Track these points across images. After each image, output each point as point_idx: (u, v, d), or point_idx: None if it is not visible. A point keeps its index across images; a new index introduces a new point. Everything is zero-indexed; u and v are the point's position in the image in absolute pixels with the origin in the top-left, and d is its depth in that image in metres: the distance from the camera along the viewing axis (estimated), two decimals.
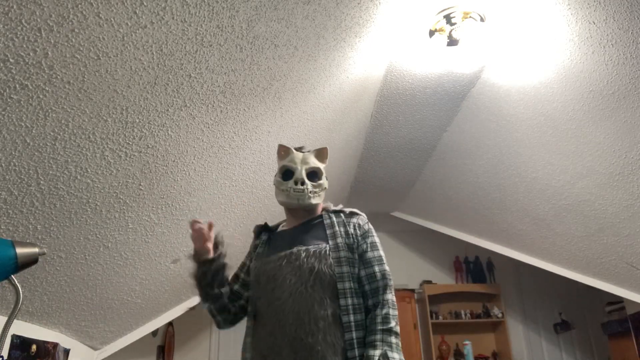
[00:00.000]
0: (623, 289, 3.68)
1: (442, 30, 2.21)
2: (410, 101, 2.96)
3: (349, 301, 1.38)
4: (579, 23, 1.97)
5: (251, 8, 1.54)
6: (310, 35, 1.84)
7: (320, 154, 1.64)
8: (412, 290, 5.64)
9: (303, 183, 1.54)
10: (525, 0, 2.00)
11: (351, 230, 1.52)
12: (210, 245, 1.53)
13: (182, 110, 1.77)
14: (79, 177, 1.69)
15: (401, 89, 2.82)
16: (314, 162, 1.60)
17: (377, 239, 1.54)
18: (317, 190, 1.58)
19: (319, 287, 1.38)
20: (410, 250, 6.00)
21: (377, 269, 1.45)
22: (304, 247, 1.46)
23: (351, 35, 2.01)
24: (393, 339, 1.32)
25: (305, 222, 1.59)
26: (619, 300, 4.53)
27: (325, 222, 1.56)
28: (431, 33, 2.28)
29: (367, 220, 1.60)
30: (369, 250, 1.49)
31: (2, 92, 1.25)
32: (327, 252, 1.44)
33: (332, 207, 1.64)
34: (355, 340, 1.33)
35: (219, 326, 1.62)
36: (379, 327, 1.33)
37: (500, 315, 5.40)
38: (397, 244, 6.05)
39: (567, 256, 3.79)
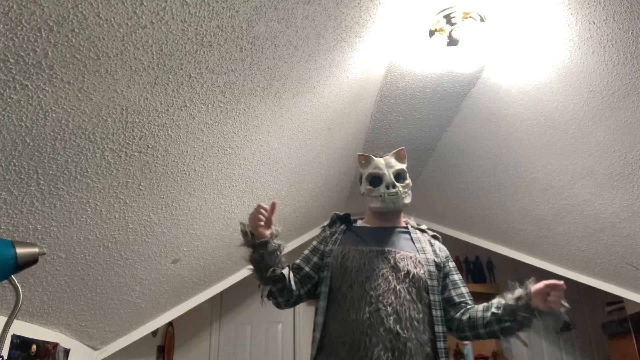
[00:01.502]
0: (623, 289, 3.68)
1: (442, 30, 2.21)
2: (410, 101, 2.95)
3: (439, 313, 1.51)
4: (579, 23, 1.97)
5: (251, 8, 1.54)
6: (310, 35, 1.84)
7: (399, 155, 1.74)
8: None
9: (394, 186, 1.63)
10: (525, 0, 2.00)
11: (437, 251, 1.64)
12: (267, 231, 1.52)
13: (182, 110, 1.77)
14: (79, 177, 1.69)
15: (401, 89, 2.82)
16: (397, 164, 1.70)
17: (454, 263, 1.71)
18: (406, 189, 1.68)
19: (413, 291, 1.47)
20: None
21: (464, 290, 1.62)
22: (397, 250, 1.54)
23: (351, 35, 2.01)
24: None
25: (390, 227, 1.66)
26: (619, 300, 4.52)
27: (412, 235, 1.66)
28: (431, 33, 2.28)
29: (443, 246, 1.73)
30: (454, 272, 1.64)
31: (2, 92, 1.25)
32: (421, 262, 1.54)
33: (414, 223, 1.74)
34: (443, 350, 1.46)
35: (280, 307, 1.63)
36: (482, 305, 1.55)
37: None
38: None
39: (567, 256, 3.79)
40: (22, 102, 1.31)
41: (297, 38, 1.81)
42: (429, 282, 1.51)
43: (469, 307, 1.59)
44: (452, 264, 1.66)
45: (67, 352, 2.52)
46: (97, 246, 2.11)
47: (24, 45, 1.19)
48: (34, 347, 2.15)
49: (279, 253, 1.53)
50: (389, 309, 1.40)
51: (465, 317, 1.55)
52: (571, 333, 5.50)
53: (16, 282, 1.10)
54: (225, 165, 2.33)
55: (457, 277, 1.63)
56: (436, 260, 1.59)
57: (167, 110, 1.72)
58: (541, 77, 2.38)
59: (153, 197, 2.12)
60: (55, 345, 2.36)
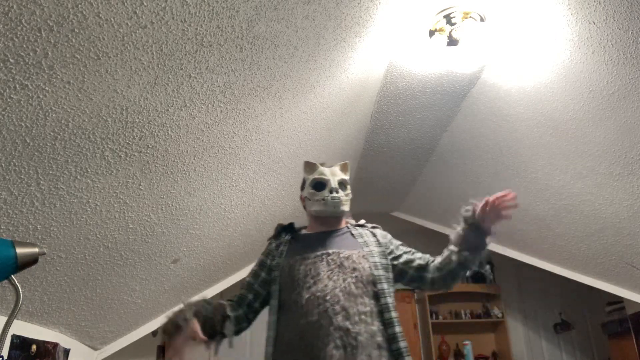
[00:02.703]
0: (623, 289, 3.68)
1: (442, 30, 2.21)
2: (410, 101, 2.95)
3: (389, 300, 1.55)
4: (579, 23, 1.97)
5: (251, 8, 1.54)
6: (310, 35, 1.84)
7: (344, 167, 1.83)
8: (412, 290, 5.64)
9: (337, 192, 1.70)
10: (525, 0, 2.00)
11: (380, 239, 1.71)
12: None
13: (182, 110, 1.77)
14: (79, 177, 1.69)
15: (401, 89, 2.82)
16: (341, 174, 1.77)
17: (398, 241, 1.77)
18: (346, 198, 1.74)
19: (360, 285, 1.51)
20: None
21: (421, 254, 1.71)
22: (341, 250, 1.59)
23: (351, 35, 2.01)
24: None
25: (332, 231, 1.72)
26: (619, 300, 4.53)
27: (353, 232, 1.72)
28: (431, 33, 2.28)
29: (385, 231, 1.81)
30: (401, 246, 1.74)
31: (2, 92, 1.25)
32: (365, 256, 1.60)
33: (353, 222, 1.80)
34: (398, 334, 1.50)
35: (239, 334, 1.65)
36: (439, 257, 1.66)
37: (500, 315, 5.41)
38: None
39: (567, 256, 3.79)
40: (22, 102, 1.31)
41: (297, 38, 1.81)
42: (375, 272, 1.56)
43: (432, 260, 1.69)
44: (396, 242, 1.75)
45: (67, 352, 2.52)
46: (97, 246, 2.11)
47: (24, 45, 1.19)
48: (34, 347, 2.15)
49: (218, 313, 1.55)
50: (337, 307, 1.45)
51: (437, 273, 1.66)
52: (571, 333, 5.51)
53: (16, 282, 1.10)
54: (225, 165, 2.33)
55: (404, 248, 1.73)
56: (379, 249, 1.66)
57: (167, 110, 1.72)
58: (541, 77, 2.38)
59: (153, 197, 2.12)
60: (55, 345, 2.35)
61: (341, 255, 1.57)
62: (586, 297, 5.48)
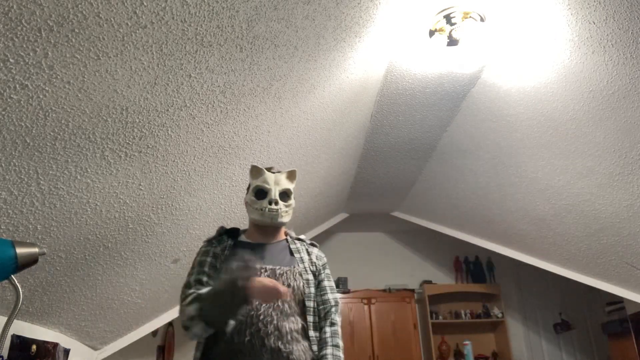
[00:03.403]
0: (623, 289, 3.68)
1: (442, 30, 2.21)
2: (410, 101, 2.96)
3: (314, 318, 1.60)
4: (579, 23, 1.97)
5: (251, 8, 1.54)
6: (310, 35, 1.84)
7: (291, 175, 1.77)
8: (412, 290, 5.64)
9: (277, 203, 1.66)
10: (525, 0, 2.00)
11: (314, 259, 1.72)
12: None
13: (182, 110, 1.77)
14: (79, 177, 1.69)
15: (401, 89, 2.82)
16: (285, 184, 1.72)
17: (329, 271, 1.79)
18: (287, 209, 1.71)
19: (293, 303, 1.55)
20: (410, 250, 6.01)
21: (330, 296, 1.68)
22: (278, 266, 1.60)
23: (351, 35, 2.01)
24: (340, 354, 1.57)
25: (273, 243, 1.71)
26: (619, 300, 4.53)
27: (291, 246, 1.72)
28: (431, 33, 2.28)
29: (322, 253, 1.81)
30: (325, 279, 1.71)
31: (2, 92, 1.25)
32: (299, 273, 1.62)
33: (294, 235, 1.80)
34: (317, 353, 1.55)
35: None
36: (330, 343, 1.56)
37: (500, 315, 5.41)
38: (397, 244, 6.05)
39: (567, 256, 3.79)
40: (22, 102, 1.31)
41: (297, 38, 1.81)
42: (306, 290, 1.60)
43: (324, 327, 1.62)
44: (327, 271, 1.74)
45: (67, 352, 2.52)
46: (97, 246, 2.11)
47: (24, 45, 1.19)
48: (34, 347, 2.15)
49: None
50: (270, 327, 1.46)
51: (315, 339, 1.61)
52: (571, 333, 5.51)
53: (16, 282, 1.10)
54: (225, 165, 2.33)
55: (327, 283, 1.70)
56: (311, 268, 1.68)
57: (167, 110, 1.72)
58: (541, 77, 2.38)
59: (153, 197, 2.12)
60: (55, 345, 2.35)
61: (277, 272, 1.57)
62: (586, 297, 5.48)
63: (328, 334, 1.59)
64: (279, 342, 1.45)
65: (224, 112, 1.95)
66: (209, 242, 1.70)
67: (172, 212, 2.33)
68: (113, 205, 1.97)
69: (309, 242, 1.82)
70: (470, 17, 2.15)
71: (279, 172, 1.75)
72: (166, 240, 2.51)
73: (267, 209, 1.64)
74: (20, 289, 1.10)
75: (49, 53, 1.24)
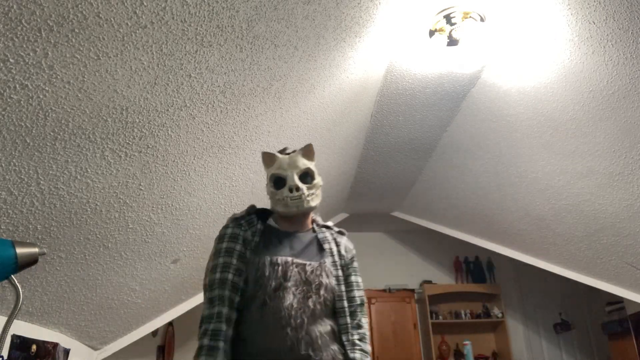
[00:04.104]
0: (623, 289, 3.68)
1: (442, 30, 2.21)
2: (410, 101, 2.96)
3: (348, 320, 1.45)
4: (579, 23, 1.97)
5: (251, 8, 1.54)
6: (310, 35, 1.84)
7: (307, 152, 1.55)
8: (412, 290, 5.65)
9: (298, 189, 1.46)
10: (525, 0, 2.00)
11: (342, 251, 1.55)
12: None
13: (182, 110, 1.77)
14: (79, 177, 1.69)
15: (401, 89, 2.82)
16: (303, 163, 1.51)
17: (357, 264, 1.61)
18: (313, 191, 1.50)
19: (323, 303, 1.40)
20: (410, 250, 6.01)
21: (357, 294, 1.51)
22: (308, 261, 1.44)
23: (351, 35, 2.01)
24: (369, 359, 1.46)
25: (302, 232, 1.54)
26: (619, 300, 4.53)
27: (319, 236, 1.55)
28: (431, 33, 2.28)
29: (351, 243, 1.62)
30: (353, 274, 1.55)
31: (2, 92, 1.25)
32: (329, 269, 1.45)
33: (320, 221, 1.62)
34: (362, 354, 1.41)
35: None
36: (358, 347, 1.42)
37: (500, 315, 5.41)
38: (397, 244, 6.05)
39: (567, 256, 3.79)
40: (22, 102, 1.31)
41: (297, 38, 1.81)
42: (336, 289, 1.45)
43: (350, 329, 1.47)
44: (355, 264, 1.58)
45: (67, 352, 2.52)
46: (97, 246, 2.11)
47: (24, 45, 1.19)
48: (34, 347, 2.15)
49: None
50: (301, 332, 1.32)
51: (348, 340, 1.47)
52: (571, 333, 5.51)
53: (16, 282, 1.10)
54: (225, 165, 2.33)
55: (354, 278, 1.54)
56: (339, 261, 1.51)
57: (167, 110, 1.72)
58: (541, 77, 2.38)
59: (153, 197, 2.12)
60: (55, 345, 2.35)
61: (307, 268, 1.41)
62: (586, 297, 5.48)
63: (356, 337, 1.43)
64: (310, 349, 1.31)
65: (224, 112, 1.95)
66: (237, 222, 1.48)
67: (172, 212, 2.33)
68: (113, 205, 1.97)
69: (336, 229, 1.63)
70: (470, 17, 2.15)
71: (293, 152, 1.55)
72: (166, 240, 2.51)
73: (289, 198, 1.45)
74: (20, 289, 1.10)
75: (49, 53, 1.24)
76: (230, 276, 1.37)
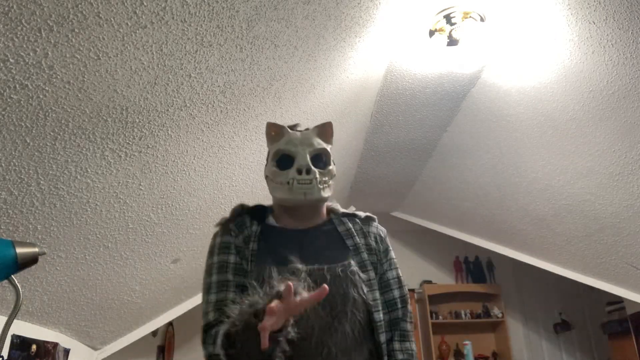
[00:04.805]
0: (623, 289, 3.68)
1: (442, 30, 2.21)
2: (410, 101, 2.95)
3: (385, 337, 1.10)
4: (579, 23, 1.97)
5: (251, 8, 1.54)
6: (310, 35, 1.84)
7: (324, 131, 1.26)
8: (412, 290, 5.64)
9: (309, 171, 1.15)
10: (525, 0, 2.00)
11: (372, 244, 1.21)
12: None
13: (182, 110, 1.77)
14: (79, 177, 1.69)
15: (401, 89, 2.82)
16: (319, 143, 1.22)
17: (394, 256, 1.26)
18: (326, 179, 1.20)
19: (354, 320, 1.05)
20: (410, 250, 6.01)
21: (396, 293, 1.18)
22: (326, 264, 1.09)
23: (351, 35, 2.01)
24: None
25: (313, 226, 1.21)
26: (619, 300, 4.53)
27: (339, 228, 1.22)
28: (431, 33, 2.28)
29: (383, 229, 1.29)
30: (388, 270, 1.21)
31: (2, 92, 1.25)
32: (357, 272, 1.10)
33: (340, 209, 1.29)
34: None
35: None
36: None
37: (500, 315, 5.40)
38: (397, 244, 6.04)
39: (567, 256, 3.79)
40: (22, 102, 1.31)
41: (297, 38, 1.81)
42: (369, 295, 1.09)
43: (392, 343, 1.14)
44: (390, 256, 1.24)
45: (67, 352, 2.52)
46: (97, 246, 2.11)
47: (24, 45, 1.19)
48: (34, 347, 2.15)
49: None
50: None
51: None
52: (571, 333, 5.51)
53: (16, 282, 1.10)
54: (225, 165, 2.33)
55: (391, 274, 1.20)
56: (371, 258, 1.18)
57: (167, 110, 1.72)
58: (541, 77, 2.38)
59: (153, 197, 2.12)
60: (55, 345, 2.35)
61: (326, 274, 1.06)
62: (586, 297, 5.48)
63: (400, 358, 1.10)
64: None
65: (224, 112, 1.95)
66: (225, 228, 1.19)
67: (172, 212, 2.33)
68: (113, 205, 1.97)
69: (363, 215, 1.29)
70: (470, 17, 2.15)
71: (306, 129, 1.26)
72: (166, 240, 2.51)
73: (296, 182, 1.14)
74: (20, 289, 1.10)
75: (49, 53, 1.24)
76: (230, 295, 1.07)
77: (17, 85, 1.26)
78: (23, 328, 2.11)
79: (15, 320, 1.09)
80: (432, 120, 3.19)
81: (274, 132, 1.24)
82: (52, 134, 1.45)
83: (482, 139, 3.16)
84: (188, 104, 1.77)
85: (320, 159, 1.22)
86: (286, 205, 1.20)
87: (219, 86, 1.78)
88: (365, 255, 1.17)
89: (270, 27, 1.67)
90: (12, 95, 1.28)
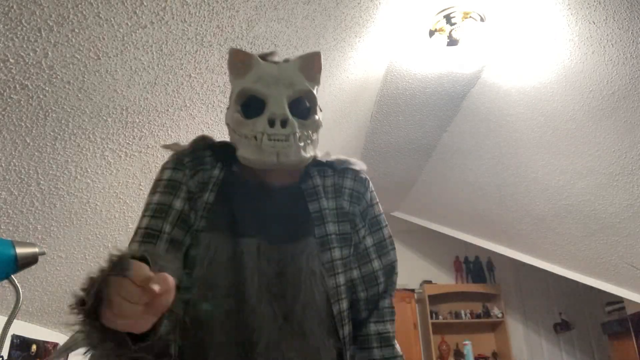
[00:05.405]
0: (623, 289, 3.68)
1: (442, 30, 2.21)
2: (410, 101, 2.95)
3: (347, 329, 0.86)
4: (579, 23, 1.97)
5: (251, 8, 1.54)
6: (310, 35, 1.84)
7: (309, 64, 0.91)
8: (412, 290, 5.64)
9: (285, 123, 0.84)
10: (525, 0, 2.00)
11: (346, 206, 0.91)
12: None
13: (182, 110, 1.77)
14: (79, 177, 1.69)
15: (401, 89, 2.82)
16: (301, 82, 0.89)
17: (380, 210, 0.98)
18: (309, 132, 0.90)
19: (311, 317, 0.81)
20: (410, 250, 6.00)
21: (376, 264, 0.91)
22: (278, 244, 0.83)
23: (351, 35, 2.01)
24: None
25: (283, 186, 0.91)
26: (619, 300, 4.53)
27: (303, 186, 0.92)
28: (431, 33, 2.28)
29: (366, 178, 0.98)
30: (367, 234, 0.92)
31: (2, 92, 1.25)
32: (317, 255, 0.84)
33: (319, 158, 0.97)
34: None
35: None
36: (379, 355, 0.87)
37: (500, 315, 5.40)
38: (397, 244, 6.00)
39: (567, 256, 3.79)
40: (22, 102, 1.31)
41: (297, 38, 1.81)
42: (329, 282, 0.83)
43: (366, 325, 0.89)
44: (372, 215, 0.95)
45: None
46: (97, 246, 2.11)
47: (24, 45, 1.19)
48: (34, 347, 2.15)
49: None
50: None
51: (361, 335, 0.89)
52: (571, 333, 5.51)
53: (16, 282, 1.10)
54: None
55: (370, 240, 0.93)
56: (341, 228, 0.88)
57: (167, 110, 1.72)
58: (541, 77, 2.38)
59: None
60: (55, 345, 2.35)
61: (283, 256, 0.82)
62: (586, 297, 5.47)
63: (374, 344, 0.87)
64: None
65: (223, 112, 1.95)
66: (179, 160, 0.91)
67: None
68: (113, 205, 1.97)
69: (340, 167, 0.97)
70: (470, 17, 2.15)
71: (285, 61, 0.93)
72: None
73: (266, 137, 0.83)
74: (20, 289, 1.10)
75: (49, 53, 1.24)
76: (156, 223, 0.82)
77: (17, 85, 1.26)
78: (23, 328, 2.11)
79: (15, 320, 1.09)
80: (432, 120, 3.19)
81: (240, 61, 0.91)
82: (52, 134, 1.45)
83: (482, 139, 3.16)
84: (188, 104, 1.77)
85: (303, 105, 0.90)
86: (252, 167, 0.87)
87: (219, 86, 1.78)
88: (330, 227, 0.87)
89: (270, 27, 1.67)
90: (12, 95, 1.28)
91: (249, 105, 0.88)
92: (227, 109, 0.97)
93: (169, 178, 0.88)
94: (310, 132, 0.91)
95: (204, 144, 0.96)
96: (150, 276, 0.57)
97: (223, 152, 0.95)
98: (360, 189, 0.95)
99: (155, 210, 0.84)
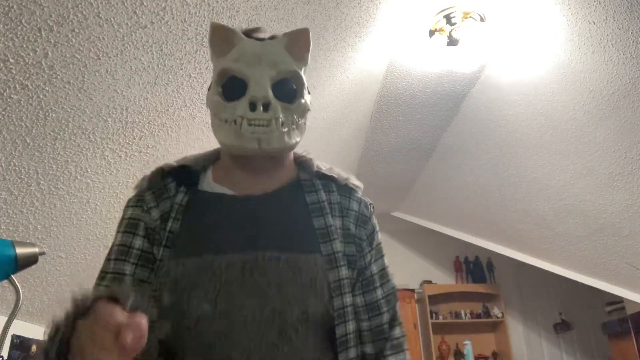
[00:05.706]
0: (623, 289, 3.68)
1: (442, 30, 2.21)
2: (410, 101, 2.95)
3: (353, 353, 0.78)
4: (579, 23, 1.97)
5: (251, 8, 1.54)
6: (310, 35, 1.84)
7: (297, 42, 0.84)
8: (412, 290, 5.64)
9: (268, 106, 0.78)
10: (525, 1, 2.00)
11: (352, 228, 0.85)
12: None
13: (182, 110, 1.77)
14: (79, 177, 1.69)
15: (401, 89, 2.82)
16: (285, 61, 0.82)
17: (381, 239, 0.94)
18: (295, 117, 0.82)
19: (311, 337, 0.74)
20: (410, 250, 6.01)
21: (379, 292, 0.85)
22: (284, 254, 0.75)
23: (351, 35, 2.01)
24: None
25: (272, 191, 0.84)
26: (619, 300, 4.53)
27: (308, 199, 0.85)
28: (431, 33, 2.28)
29: (371, 203, 0.94)
30: (374, 262, 0.87)
31: (2, 92, 1.25)
32: (325, 271, 0.77)
33: (315, 161, 0.91)
34: None
35: None
36: None
37: (500, 315, 5.40)
38: (397, 244, 6.05)
39: (567, 256, 3.79)
40: (22, 102, 1.31)
41: None
42: (335, 302, 0.76)
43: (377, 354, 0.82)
44: (376, 242, 0.90)
45: None
46: (97, 246, 2.11)
47: (24, 45, 1.19)
48: (34, 347, 2.15)
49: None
50: None
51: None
52: (571, 333, 5.51)
53: (16, 282, 1.10)
54: None
55: (375, 267, 0.87)
56: (347, 249, 0.82)
57: (167, 110, 1.72)
58: (541, 77, 2.38)
59: None
60: None
61: (283, 271, 0.74)
62: (586, 297, 5.47)
63: None
64: None
65: None
66: (139, 197, 0.84)
67: None
68: (113, 205, 1.97)
69: (342, 181, 0.90)
70: (470, 17, 2.15)
71: (271, 37, 0.85)
72: None
73: (246, 121, 0.77)
74: (20, 289, 1.10)
75: (49, 53, 1.24)
76: (119, 267, 0.79)
77: (17, 85, 1.26)
78: (23, 328, 2.11)
79: (15, 320, 1.09)
80: (432, 120, 3.19)
81: (221, 38, 0.83)
82: (52, 134, 1.45)
83: (482, 139, 3.16)
84: (188, 104, 1.77)
85: (288, 87, 0.82)
86: (232, 153, 0.84)
87: None
88: (337, 245, 0.80)
89: (270, 27, 1.67)
90: (12, 95, 1.28)
91: (231, 87, 0.81)
92: (208, 91, 0.87)
93: (129, 217, 0.83)
94: (295, 116, 0.82)
95: (162, 173, 0.86)
96: (123, 321, 0.54)
97: (184, 174, 0.87)
98: (366, 212, 0.91)
99: (117, 252, 0.80)
